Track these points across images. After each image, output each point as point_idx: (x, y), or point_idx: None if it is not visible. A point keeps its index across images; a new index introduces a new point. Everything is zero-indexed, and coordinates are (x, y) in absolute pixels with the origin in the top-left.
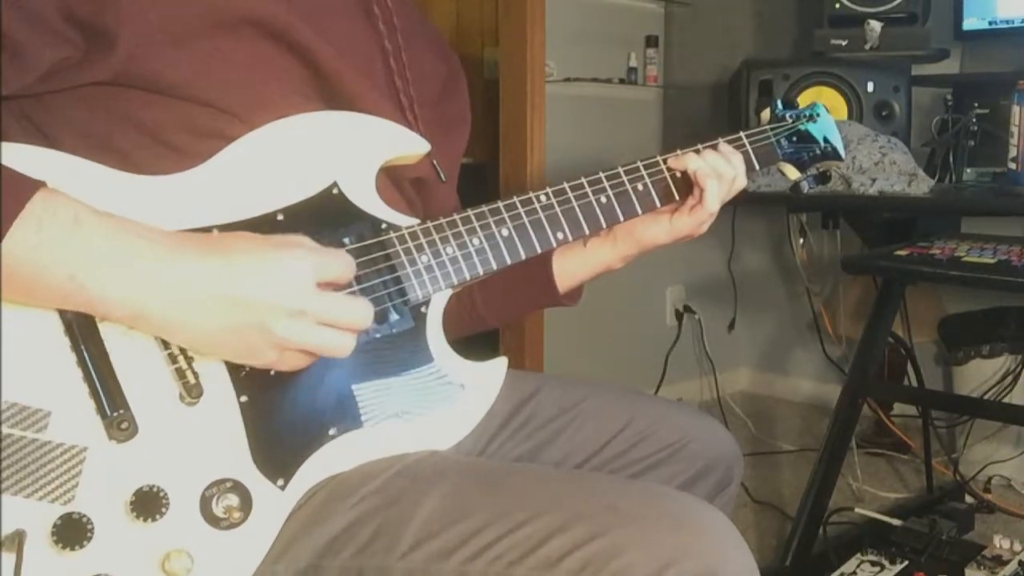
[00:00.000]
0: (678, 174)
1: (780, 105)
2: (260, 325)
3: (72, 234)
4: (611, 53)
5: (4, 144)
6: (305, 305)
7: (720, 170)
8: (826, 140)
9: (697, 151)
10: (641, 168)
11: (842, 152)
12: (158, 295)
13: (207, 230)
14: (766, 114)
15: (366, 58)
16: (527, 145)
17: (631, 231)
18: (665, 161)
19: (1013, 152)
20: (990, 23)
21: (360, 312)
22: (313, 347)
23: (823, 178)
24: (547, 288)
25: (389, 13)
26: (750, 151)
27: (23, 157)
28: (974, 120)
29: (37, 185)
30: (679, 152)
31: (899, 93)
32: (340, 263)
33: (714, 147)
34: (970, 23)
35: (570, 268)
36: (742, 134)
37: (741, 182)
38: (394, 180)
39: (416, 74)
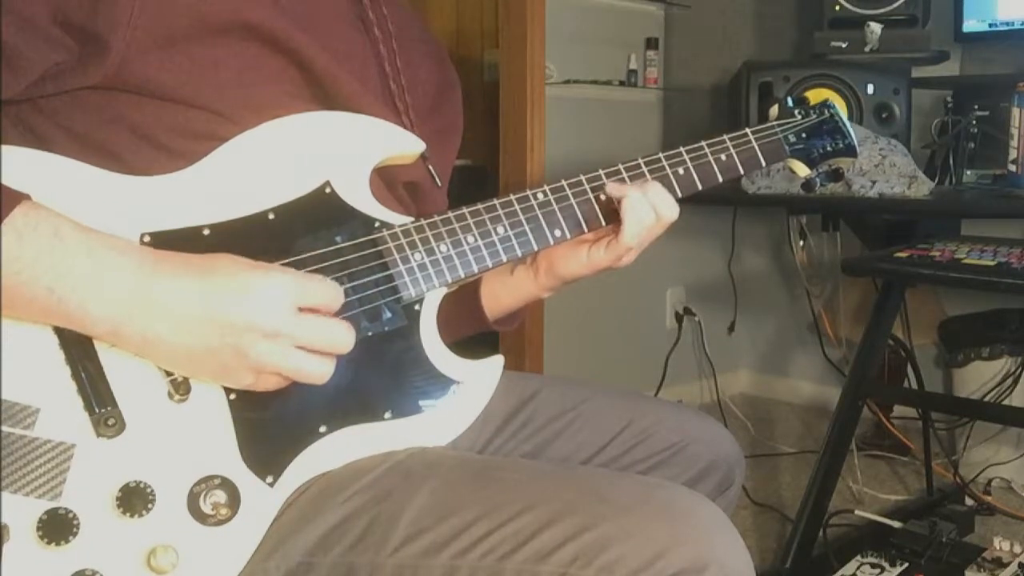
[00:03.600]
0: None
1: (790, 101)
2: (235, 347)
3: (52, 248)
4: (611, 55)
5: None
6: (281, 328)
7: (654, 204)
8: (838, 136)
9: (630, 178)
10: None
11: (856, 147)
12: (135, 313)
13: (199, 229)
14: (774, 110)
15: (360, 63)
16: (527, 147)
17: (550, 265)
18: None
19: (1013, 154)
20: (990, 25)
21: (339, 337)
22: (288, 371)
23: (835, 175)
24: (476, 313)
25: (384, 19)
26: (756, 148)
27: (15, 159)
28: (974, 122)
29: (19, 198)
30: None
31: (899, 95)
32: (325, 290)
33: (647, 178)
34: (970, 25)
35: (497, 295)
36: (748, 130)
37: (669, 218)
38: (388, 183)
39: (410, 81)
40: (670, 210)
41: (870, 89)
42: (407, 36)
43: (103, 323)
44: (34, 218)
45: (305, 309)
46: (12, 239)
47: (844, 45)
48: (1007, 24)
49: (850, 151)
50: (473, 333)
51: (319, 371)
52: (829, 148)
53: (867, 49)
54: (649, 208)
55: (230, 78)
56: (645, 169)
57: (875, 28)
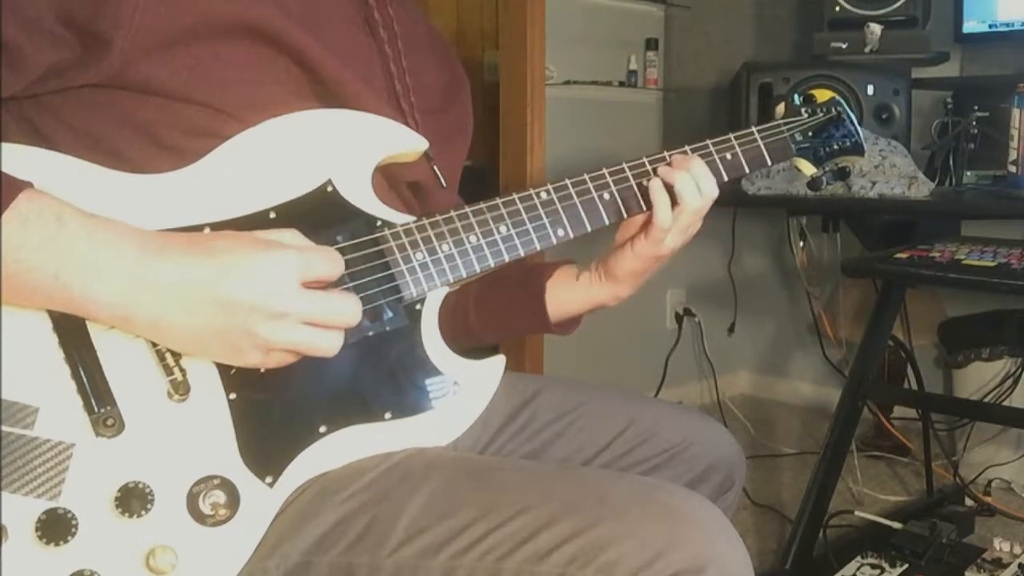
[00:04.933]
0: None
1: (796, 99)
2: (243, 326)
3: (56, 234)
4: (611, 56)
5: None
6: (288, 305)
7: (697, 180)
8: (845, 135)
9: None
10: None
11: (864, 145)
12: (142, 296)
13: (199, 228)
14: (780, 108)
15: (365, 63)
16: (527, 148)
17: (607, 270)
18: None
19: (1013, 155)
20: (990, 26)
21: (346, 310)
22: (297, 347)
23: (842, 173)
24: (539, 315)
25: (389, 20)
26: (761, 146)
27: (16, 156)
28: (974, 123)
29: (22, 185)
30: (669, 159)
31: (899, 96)
32: (326, 261)
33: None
34: (970, 26)
35: (561, 300)
36: (754, 129)
37: (709, 195)
38: (391, 182)
39: (416, 81)
40: (708, 185)
41: (870, 90)
42: (414, 36)
43: (109, 308)
44: (38, 204)
45: (309, 283)
46: (17, 226)
47: (844, 46)
48: (1007, 25)
49: (857, 149)
50: (530, 333)
51: (328, 345)
52: (836, 147)
53: (867, 50)
54: (692, 184)
55: (233, 77)
56: (650, 168)
57: (875, 29)
